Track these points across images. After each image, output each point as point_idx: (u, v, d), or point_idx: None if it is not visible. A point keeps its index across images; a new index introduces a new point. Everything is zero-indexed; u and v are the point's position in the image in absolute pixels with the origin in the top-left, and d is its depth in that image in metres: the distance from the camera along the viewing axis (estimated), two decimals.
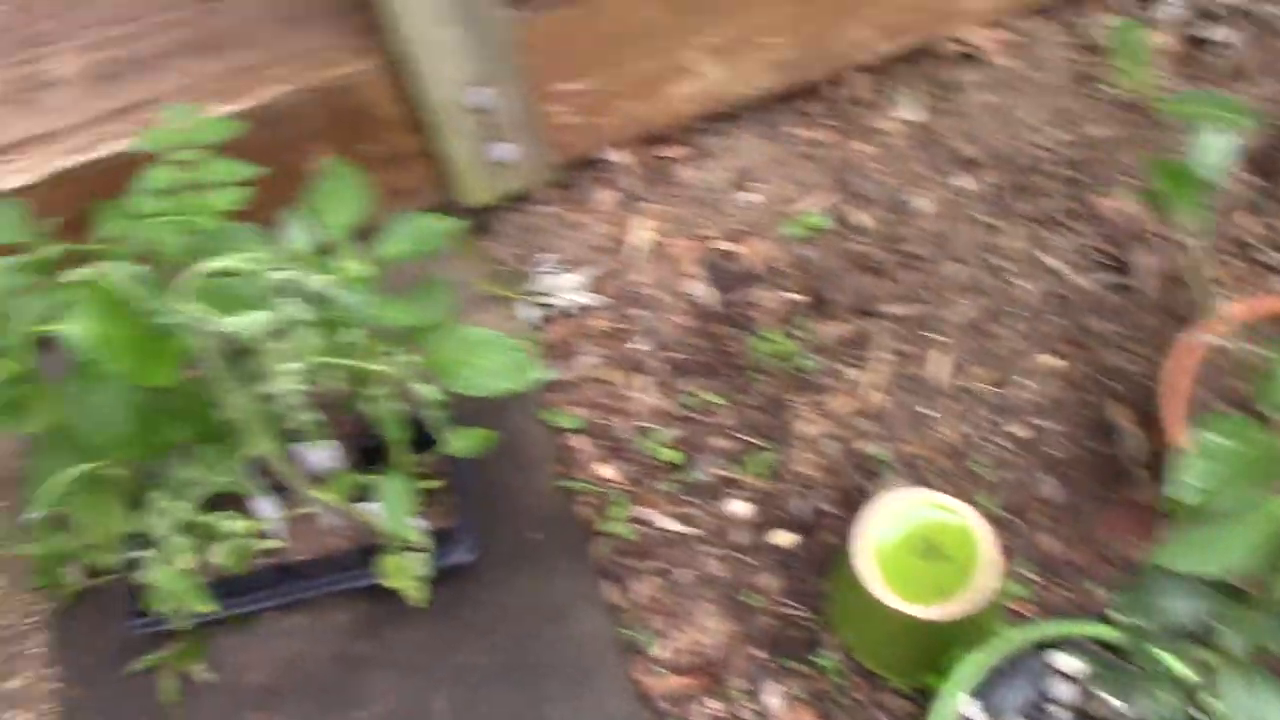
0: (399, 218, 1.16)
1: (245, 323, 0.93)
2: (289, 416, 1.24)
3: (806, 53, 1.60)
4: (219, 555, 1.20)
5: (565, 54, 1.48)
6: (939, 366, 1.52)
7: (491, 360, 1.13)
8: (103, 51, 1.48)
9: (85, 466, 1.17)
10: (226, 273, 0.99)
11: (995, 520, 1.39)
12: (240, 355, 1.23)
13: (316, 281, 1.00)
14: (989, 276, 1.58)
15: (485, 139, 1.46)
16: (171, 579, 1.12)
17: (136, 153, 1.37)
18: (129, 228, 1.11)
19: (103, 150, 1.37)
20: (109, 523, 1.28)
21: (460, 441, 1.26)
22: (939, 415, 1.49)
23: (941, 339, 1.54)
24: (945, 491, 1.27)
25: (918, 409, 1.50)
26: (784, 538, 1.44)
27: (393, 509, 1.24)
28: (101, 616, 1.44)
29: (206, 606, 1.17)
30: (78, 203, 1.29)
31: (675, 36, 1.52)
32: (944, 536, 1.24)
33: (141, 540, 1.36)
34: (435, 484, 1.37)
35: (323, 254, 1.14)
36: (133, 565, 1.37)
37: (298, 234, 1.13)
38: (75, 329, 0.95)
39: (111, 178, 1.37)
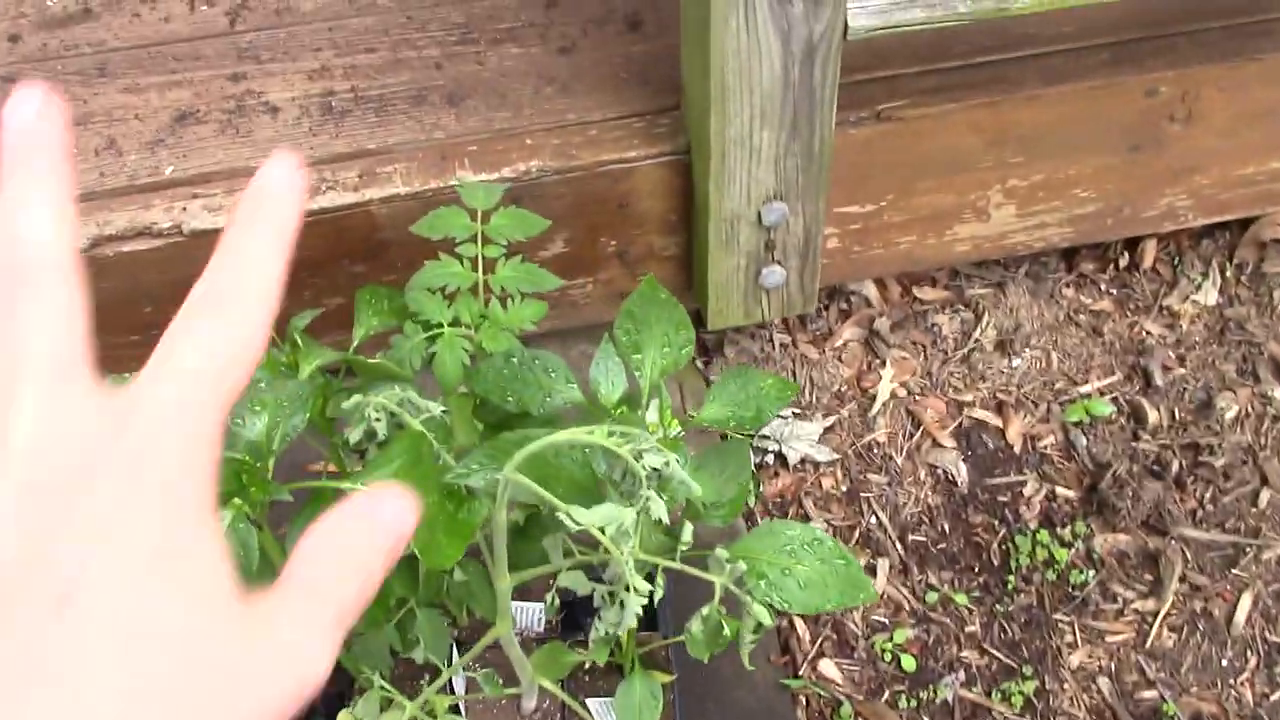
0: (732, 373, 0.92)
1: (606, 518, 0.68)
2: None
3: (1111, 213, 1.38)
4: None
5: (857, 175, 1.25)
6: (1245, 611, 1.28)
7: (815, 569, 0.88)
8: (326, 81, 1.23)
9: None
10: (553, 443, 0.75)
11: None
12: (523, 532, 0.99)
13: (661, 460, 0.75)
14: None
15: (761, 260, 1.23)
16: None
17: (369, 209, 1.13)
18: (403, 338, 0.85)
19: (327, 201, 1.11)
20: None
21: (701, 644, 1.02)
22: (1240, 669, 1.25)
23: (1248, 578, 1.30)
24: None
25: (1214, 658, 1.26)
26: None
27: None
28: None
29: None
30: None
31: (981, 172, 1.29)
32: None
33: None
34: (667, 679, 1.11)
35: (630, 404, 0.90)
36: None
37: (604, 375, 0.88)
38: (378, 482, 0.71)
39: (334, 234, 1.13)
